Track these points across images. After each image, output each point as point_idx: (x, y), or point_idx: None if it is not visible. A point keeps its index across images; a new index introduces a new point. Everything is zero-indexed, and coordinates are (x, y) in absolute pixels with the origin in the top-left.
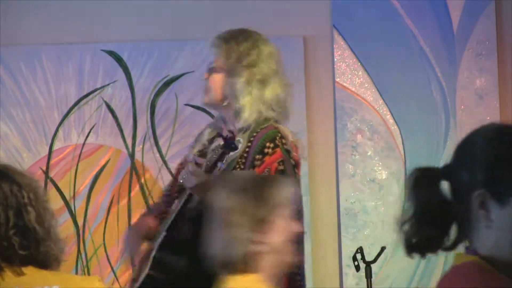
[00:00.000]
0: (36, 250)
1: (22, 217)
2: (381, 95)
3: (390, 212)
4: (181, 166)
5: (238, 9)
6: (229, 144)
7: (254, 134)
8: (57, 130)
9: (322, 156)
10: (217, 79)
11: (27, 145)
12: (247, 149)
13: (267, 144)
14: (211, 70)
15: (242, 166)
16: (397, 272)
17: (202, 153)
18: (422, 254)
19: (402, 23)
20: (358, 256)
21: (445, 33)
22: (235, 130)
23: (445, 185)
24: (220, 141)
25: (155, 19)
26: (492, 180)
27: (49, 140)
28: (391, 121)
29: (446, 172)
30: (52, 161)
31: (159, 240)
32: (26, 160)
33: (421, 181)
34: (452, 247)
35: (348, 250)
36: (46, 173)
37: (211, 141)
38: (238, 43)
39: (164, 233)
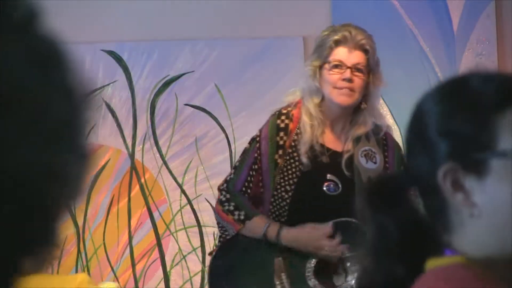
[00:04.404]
0: None
1: None
2: (381, 95)
3: None
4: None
5: (238, 9)
6: None
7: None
8: None
9: None
10: (361, 80)
11: None
12: (386, 153)
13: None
14: (359, 70)
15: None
16: None
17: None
18: None
19: (402, 23)
20: None
21: (445, 33)
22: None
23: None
24: None
25: (155, 19)
26: (457, 144)
27: None
28: (391, 121)
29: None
30: None
31: None
32: None
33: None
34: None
35: None
36: None
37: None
38: (374, 42)
39: None
